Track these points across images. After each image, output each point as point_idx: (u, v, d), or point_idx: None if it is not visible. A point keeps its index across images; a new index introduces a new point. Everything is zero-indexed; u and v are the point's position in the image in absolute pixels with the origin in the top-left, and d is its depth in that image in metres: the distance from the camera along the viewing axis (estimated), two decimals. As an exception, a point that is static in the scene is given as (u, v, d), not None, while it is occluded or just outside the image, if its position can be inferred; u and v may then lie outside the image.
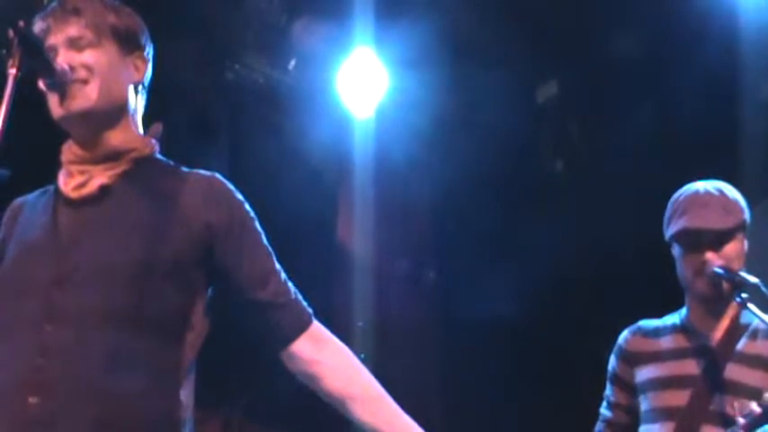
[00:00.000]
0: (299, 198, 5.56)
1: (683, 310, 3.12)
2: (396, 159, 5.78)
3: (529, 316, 5.87)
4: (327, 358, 2.35)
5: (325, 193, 5.93)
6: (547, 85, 5.73)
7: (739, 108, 5.11)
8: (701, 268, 2.95)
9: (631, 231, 5.41)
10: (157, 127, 2.46)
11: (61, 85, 2.24)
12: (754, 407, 2.75)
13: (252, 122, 5.80)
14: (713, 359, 2.97)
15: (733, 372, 2.94)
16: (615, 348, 3.20)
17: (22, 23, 2.07)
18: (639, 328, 3.18)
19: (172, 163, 2.44)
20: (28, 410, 2.10)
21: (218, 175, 2.40)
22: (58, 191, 2.34)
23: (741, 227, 3.00)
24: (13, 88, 2.03)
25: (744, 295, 2.89)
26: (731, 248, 2.96)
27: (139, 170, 2.34)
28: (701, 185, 3.06)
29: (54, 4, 2.37)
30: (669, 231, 3.04)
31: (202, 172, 2.40)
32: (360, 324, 5.85)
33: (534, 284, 5.77)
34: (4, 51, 2.07)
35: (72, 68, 2.27)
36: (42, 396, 2.11)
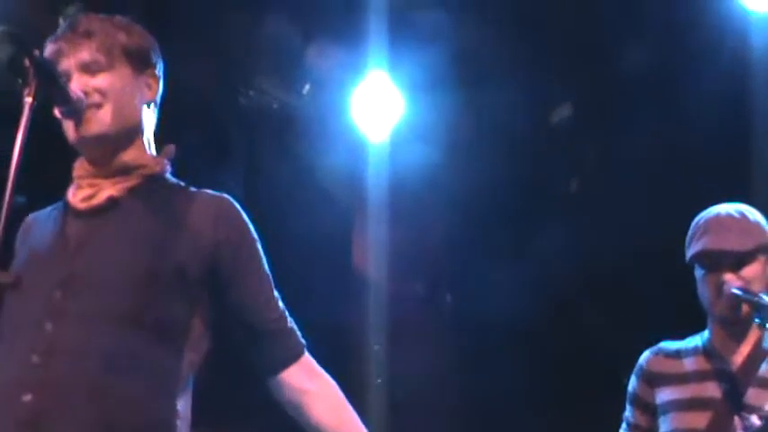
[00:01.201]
0: (313, 221, 5.56)
1: (705, 333, 3.11)
2: (410, 182, 5.77)
3: (545, 334, 5.85)
4: (315, 389, 2.38)
5: (339, 217, 5.92)
6: (561, 108, 5.73)
7: (753, 125, 5.10)
8: (721, 290, 2.94)
9: (647, 248, 5.40)
10: (170, 148, 2.47)
11: (77, 111, 2.25)
12: (755, 419, 2.74)
13: (266, 146, 5.81)
14: (734, 383, 2.96)
15: (753, 396, 2.93)
16: (636, 369, 3.19)
17: (37, 52, 2.08)
18: (661, 349, 3.16)
19: (182, 183, 2.45)
20: (21, 409, 2.12)
21: (227, 196, 2.41)
22: (67, 204, 2.37)
23: (762, 249, 2.99)
24: (29, 117, 2.04)
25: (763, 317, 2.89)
26: (751, 270, 2.95)
27: (149, 186, 2.36)
28: (722, 208, 3.07)
29: (64, 26, 2.39)
30: (689, 253, 3.04)
31: (212, 192, 2.41)
32: (376, 347, 5.84)
33: (550, 304, 5.76)
34: (20, 80, 2.08)
35: (86, 93, 2.28)
36: (36, 394, 2.12)
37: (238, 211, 2.40)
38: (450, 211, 6.07)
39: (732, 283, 2.92)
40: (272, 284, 2.42)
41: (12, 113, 2.11)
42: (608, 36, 5.19)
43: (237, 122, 5.60)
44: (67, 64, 2.32)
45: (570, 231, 5.60)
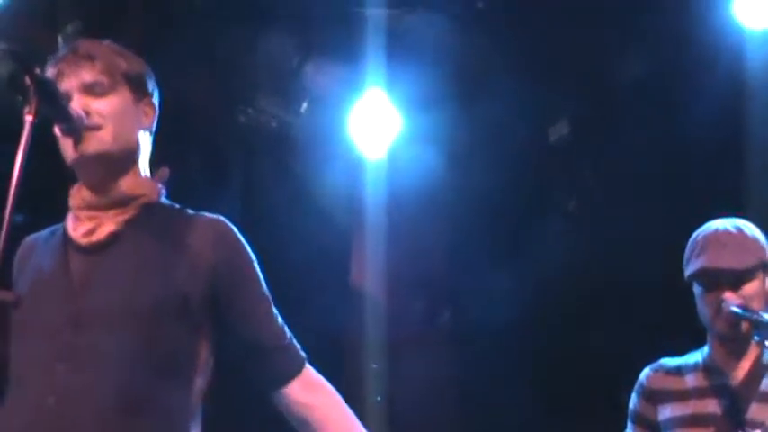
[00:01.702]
0: (311, 239, 5.57)
1: (705, 349, 3.10)
2: (408, 200, 5.78)
3: (545, 350, 5.85)
4: (318, 403, 2.41)
5: (337, 235, 5.93)
6: (558, 125, 5.74)
7: (748, 139, 5.11)
8: (720, 308, 2.93)
9: (646, 261, 5.41)
10: (164, 171, 2.48)
11: (76, 130, 2.26)
12: None
13: (264, 165, 5.82)
14: (736, 399, 2.95)
15: (756, 411, 2.92)
16: (636, 386, 3.18)
17: (38, 70, 2.09)
18: (662, 366, 3.15)
19: (177, 206, 2.46)
20: None
21: (222, 219, 2.42)
22: (67, 235, 2.37)
23: (760, 266, 2.97)
24: (29, 134, 2.04)
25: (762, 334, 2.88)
26: (750, 288, 2.94)
27: (147, 216, 2.37)
28: (720, 224, 3.05)
29: (66, 49, 2.41)
30: (688, 271, 3.03)
31: (208, 215, 2.42)
32: (374, 366, 5.83)
33: (550, 319, 5.76)
34: (21, 98, 2.09)
35: (87, 114, 2.29)
36: None
37: (235, 234, 2.41)
38: (448, 228, 6.07)
39: (731, 301, 2.91)
40: (271, 302, 2.44)
41: (12, 131, 2.11)
42: (605, 51, 5.21)
43: (235, 140, 5.61)
44: (69, 85, 2.33)
45: (569, 246, 5.60)
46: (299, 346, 2.45)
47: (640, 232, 5.44)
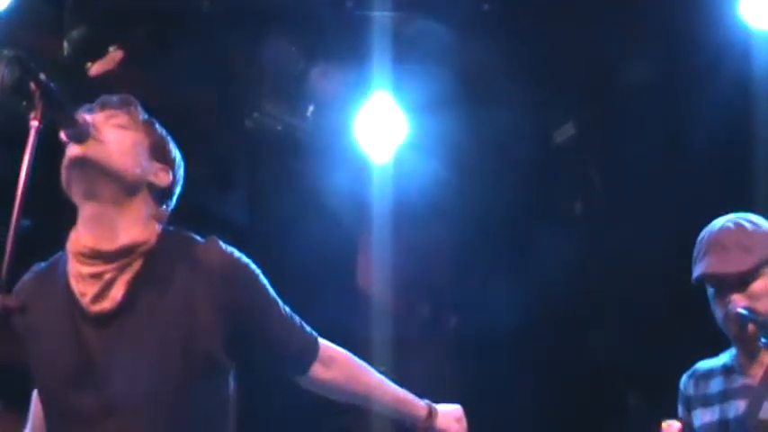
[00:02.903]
0: (318, 243, 5.56)
1: (733, 348, 3.07)
2: (414, 204, 5.77)
3: (551, 354, 5.84)
4: (337, 375, 2.53)
5: (344, 239, 5.92)
6: (564, 127, 5.73)
7: (756, 142, 5.10)
8: (728, 310, 2.91)
9: (651, 265, 5.40)
10: (163, 214, 2.46)
11: (82, 135, 2.25)
12: None
13: (271, 169, 5.82)
14: (753, 400, 2.92)
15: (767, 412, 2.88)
16: (678, 395, 3.16)
17: (43, 76, 2.09)
18: (695, 372, 3.14)
19: (177, 236, 2.42)
20: None
21: (223, 248, 2.38)
22: (72, 296, 2.30)
23: (765, 263, 2.93)
24: (35, 140, 2.04)
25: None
26: (758, 286, 2.91)
27: (151, 267, 2.32)
28: (724, 222, 3.02)
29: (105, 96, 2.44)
30: (693, 275, 3.00)
31: (208, 249, 2.38)
32: (381, 369, 5.82)
33: (556, 324, 5.75)
34: (25, 103, 2.09)
35: (97, 128, 2.28)
36: None
37: (240, 264, 2.40)
38: (454, 232, 6.07)
39: (737, 303, 2.90)
40: (281, 304, 2.47)
41: (18, 136, 2.11)
42: (611, 54, 5.20)
43: (242, 145, 5.61)
44: (94, 117, 2.33)
45: (575, 250, 5.59)
46: (308, 329, 2.51)
47: (646, 236, 5.43)
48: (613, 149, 5.59)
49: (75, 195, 2.32)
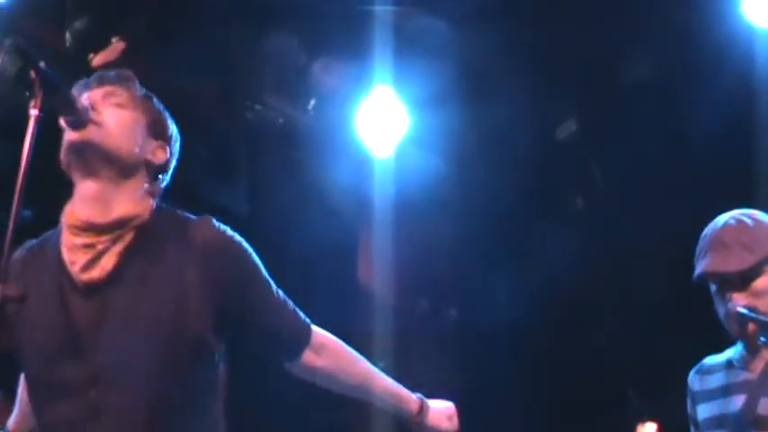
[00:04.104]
0: (318, 237, 5.56)
1: (739, 344, 3.04)
2: (415, 198, 5.78)
3: (551, 348, 5.85)
4: (328, 363, 2.50)
5: (345, 233, 5.93)
6: (566, 123, 5.73)
7: (757, 139, 5.10)
8: (729, 308, 2.91)
9: (652, 260, 5.40)
10: (158, 187, 2.45)
11: (82, 121, 2.25)
12: None
13: (272, 162, 5.82)
14: (752, 395, 2.92)
15: (765, 407, 2.86)
16: (687, 390, 3.15)
17: (43, 64, 2.08)
18: (701, 367, 3.12)
19: (170, 213, 2.42)
20: None
21: (215, 225, 2.37)
22: (63, 265, 2.30)
23: (766, 261, 2.90)
24: (35, 129, 2.04)
25: None
26: (760, 284, 2.88)
27: (143, 241, 2.31)
28: (724, 219, 2.99)
29: (101, 72, 2.45)
30: (695, 273, 3.00)
31: (201, 225, 2.37)
32: (380, 363, 5.82)
33: (556, 318, 5.76)
34: (27, 93, 2.08)
35: (94, 108, 2.28)
36: None
37: (230, 240, 2.38)
38: (455, 226, 6.07)
39: (738, 301, 2.90)
40: (274, 287, 2.44)
41: (19, 126, 2.11)
42: (613, 50, 5.20)
43: (243, 137, 5.61)
44: (93, 95, 2.33)
45: (575, 244, 5.60)
46: (301, 314, 2.48)
47: (647, 232, 5.44)
48: (615, 145, 5.59)
49: (74, 174, 2.34)
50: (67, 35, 4.49)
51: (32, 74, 2.06)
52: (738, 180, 4.96)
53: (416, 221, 5.95)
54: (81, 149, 2.28)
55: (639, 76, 5.22)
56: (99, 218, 2.29)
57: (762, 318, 2.84)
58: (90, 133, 2.27)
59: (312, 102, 5.53)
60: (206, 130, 5.31)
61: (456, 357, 6.20)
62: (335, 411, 5.63)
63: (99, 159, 2.29)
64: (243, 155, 5.65)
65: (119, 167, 2.32)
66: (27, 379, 2.39)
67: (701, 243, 3.01)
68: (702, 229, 3.07)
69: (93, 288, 2.26)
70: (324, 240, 5.59)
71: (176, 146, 2.51)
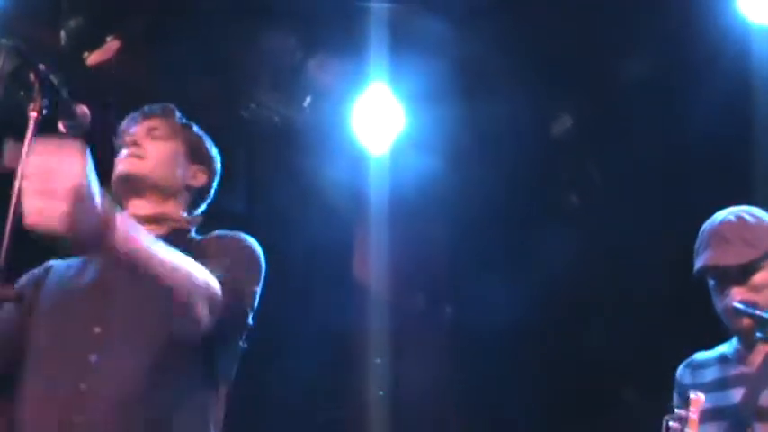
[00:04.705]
0: (314, 234, 5.57)
1: (733, 340, 3.08)
2: (411, 195, 5.77)
3: (547, 345, 5.85)
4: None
5: (340, 230, 5.92)
6: (561, 120, 5.73)
7: (754, 135, 5.10)
8: (727, 303, 2.92)
9: (648, 258, 5.40)
10: (197, 218, 2.75)
11: (81, 127, 2.26)
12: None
13: (267, 160, 5.81)
14: (753, 387, 2.93)
15: (766, 399, 2.88)
16: (674, 384, 3.18)
17: (42, 66, 2.10)
18: (691, 362, 3.16)
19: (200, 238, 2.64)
20: (73, 428, 2.30)
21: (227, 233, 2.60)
22: None
23: (765, 256, 2.92)
24: (34, 131, 2.05)
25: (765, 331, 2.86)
26: (759, 279, 2.90)
27: (174, 239, 2.45)
28: (724, 214, 3.02)
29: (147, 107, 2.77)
30: (694, 267, 3.01)
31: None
32: (377, 360, 5.83)
33: (551, 315, 5.75)
34: (23, 93, 2.09)
35: (135, 144, 2.61)
36: (85, 415, 2.30)
37: (234, 233, 2.59)
38: (450, 223, 6.07)
39: (734, 296, 2.90)
40: (245, 263, 2.52)
41: (16, 127, 2.11)
42: (609, 47, 5.20)
43: (238, 136, 5.60)
44: (136, 129, 2.66)
45: (571, 242, 5.59)
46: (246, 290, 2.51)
47: (644, 230, 5.44)
48: (612, 143, 5.58)
49: (123, 198, 2.65)
50: (62, 34, 4.49)
51: (32, 76, 2.09)
52: (736, 176, 4.96)
53: (412, 218, 5.94)
54: (127, 180, 2.62)
55: (636, 73, 5.22)
56: (141, 212, 2.60)
57: (758, 313, 2.85)
58: (135, 167, 2.61)
59: (308, 99, 5.53)
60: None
61: (452, 354, 6.20)
62: (333, 409, 5.65)
63: (144, 188, 2.62)
64: (239, 153, 5.64)
65: (161, 192, 2.64)
66: (29, 342, 2.46)
67: (700, 238, 3.02)
68: (700, 226, 3.08)
69: None
70: (320, 237, 5.59)
71: (217, 165, 2.83)
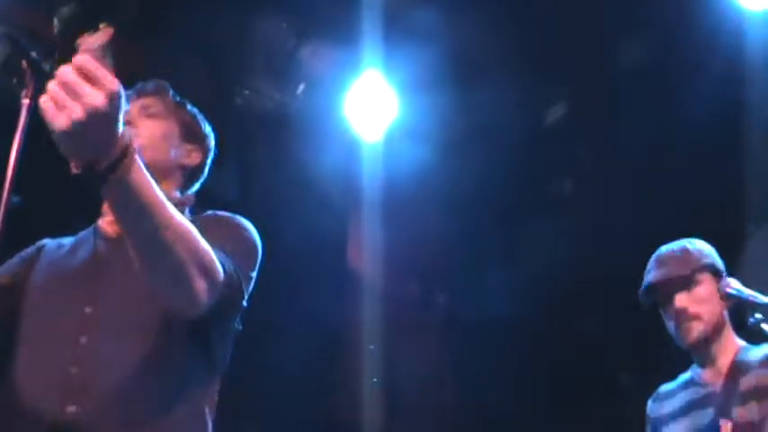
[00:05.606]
0: (308, 222, 5.56)
1: (693, 365, 3.21)
2: (404, 182, 5.78)
3: (540, 334, 5.86)
4: None
5: (334, 217, 5.93)
6: (554, 108, 5.73)
7: (747, 124, 5.11)
8: (679, 318, 3.08)
9: (641, 248, 5.40)
10: (190, 197, 2.71)
11: None
12: None
13: (261, 147, 5.81)
14: (721, 406, 3.00)
15: (740, 414, 2.97)
16: (646, 420, 3.29)
17: (35, 54, 2.09)
18: (658, 394, 3.29)
19: (203, 213, 2.61)
20: (65, 417, 2.25)
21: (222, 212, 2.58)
22: (96, 228, 2.54)
23: (702, 268, 3.12)
24: (26, 118, 2.05)
25: (757, 316, 2.91)
26: (700, 291, 3.09)
27: None
28: (666, 246, 3.24)
29: (140, 84, 2.71)
30: (640, 290, 3.22)
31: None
32: (371, 347, 5.84)
33: (544, 304, 5.76)
34: (16, 81, 2.09)
35: (130, 123, 2.51)
36: (79, 404, 2.26)
37: (229, 215, 2.56)
38: (444, 211, 6.07)
39: (681, 303, 3.07)
40: (236, 255, 2.44)
41: (7, 114, 2.11)
42: (602, 36, 5.20)
43: (232, 122, 5.60)
44: (129, 109, 2.56)
45: (564, 232, 5.61)
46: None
47: (637, 217, 5.45)
48: (605, 131, 5.59)
49: None
50: (55, 21, 4.48)
51: (24, 64, 2.08)
52: (729, 164, 4.98)
53: (406, 206, 5.95)
54: None
55: (631, 61, 5.23)
56: None
57: (752, 298, 2.91)
58: None
59: (301, 86, 5.52)
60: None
61: (445, 342, 6.21)
62: (327, 396, 5.65)
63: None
64: (232, 140, 5.63)
65: (154, 171, 2.39)
66: (17, 331, 2.44)
67: (647, 267, 3.25)
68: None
69: (118, 238, 2.38)
70: (313, 224, 5.59)
71: (210, 143, 2.78)
